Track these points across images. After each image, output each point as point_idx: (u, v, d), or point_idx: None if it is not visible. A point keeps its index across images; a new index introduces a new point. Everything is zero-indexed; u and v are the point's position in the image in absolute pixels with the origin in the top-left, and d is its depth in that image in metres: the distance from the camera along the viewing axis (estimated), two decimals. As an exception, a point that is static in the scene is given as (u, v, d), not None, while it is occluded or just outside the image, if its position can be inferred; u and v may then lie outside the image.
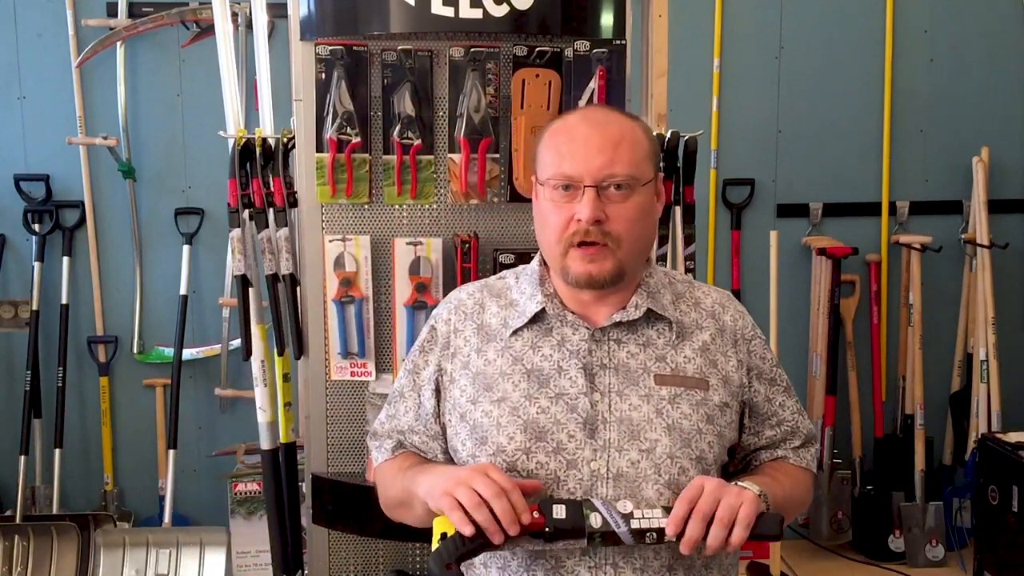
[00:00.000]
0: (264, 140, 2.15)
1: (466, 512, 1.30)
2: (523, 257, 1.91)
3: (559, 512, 1.33)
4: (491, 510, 1.30)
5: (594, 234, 1.42)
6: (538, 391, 1.46)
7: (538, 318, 1.50)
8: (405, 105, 1.99)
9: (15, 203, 3.62)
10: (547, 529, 1.31)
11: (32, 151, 3.65)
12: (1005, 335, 3.77)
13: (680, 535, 1.32)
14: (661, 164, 1.56)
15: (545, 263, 1.54)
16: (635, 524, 1.33)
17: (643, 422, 1.44)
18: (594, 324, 1.49)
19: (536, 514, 1.33)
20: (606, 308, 1.49)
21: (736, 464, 1.57)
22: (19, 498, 3.46)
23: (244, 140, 2.14)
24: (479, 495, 1.30)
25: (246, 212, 2.15)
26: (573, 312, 1.50)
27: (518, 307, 1.52)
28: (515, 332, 1.50)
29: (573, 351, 1.47)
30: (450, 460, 1.55)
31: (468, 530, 1.30)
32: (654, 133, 2.24)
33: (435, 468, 1.47)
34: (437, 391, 1.54)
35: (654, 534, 1.33)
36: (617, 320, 1.48)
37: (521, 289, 1.54)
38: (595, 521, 1.33)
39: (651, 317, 1.50)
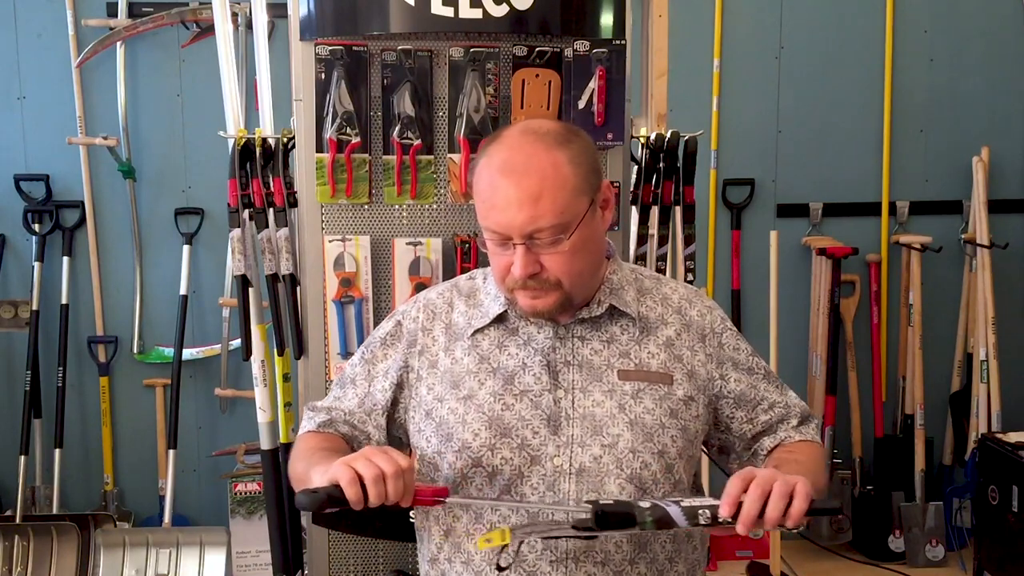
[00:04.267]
0: (264, 140, 2.15)
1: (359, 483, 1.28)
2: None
3: (607, 501, 1.32)
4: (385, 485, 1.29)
5: (531, 285, 1.43)
6: (503, 388, 1.48)
7: (504, 317, 1.52)
8: (405, 105, 1.99)
9: (15, 203, 3.63)
10: (596, 512, 1.28)
11: (32, 151, 3.65)
12: (1005, 335, 3.77)
13: (735, 516, 1.29)
14: (611, 170, 1.51)
15: None
16: (686, 504, 1.31)
17: (606, 417, 1.45)
18: (558, 321, 1.51)
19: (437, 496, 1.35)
20: (570, 307, 1.50)
21: (740, 455, 1.58)
22: (19, 498, 3.46)
23: (244, 140, 2.14)
24: (379, 468, 1.28)
25: (246, 212, 2.15)
26: None
27: (482, 307, 1.54)
28: (482, 331, 1.52)
29: (537, 349, 1.49)
30: None
31: (354, 491, 1.27)
32: (654, 133, 2.24)
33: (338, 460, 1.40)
34: (398, 386, 1.55)
35: (707, 511, 1.29)
36: (580, 317, 1.50)
37: (487, 289, 1.56)
38: (644, 503, 1.31)
39: (615, 313, 1.52)
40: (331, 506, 1.29)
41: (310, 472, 1.39)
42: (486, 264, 1.99)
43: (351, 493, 1.27)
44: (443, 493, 1.37)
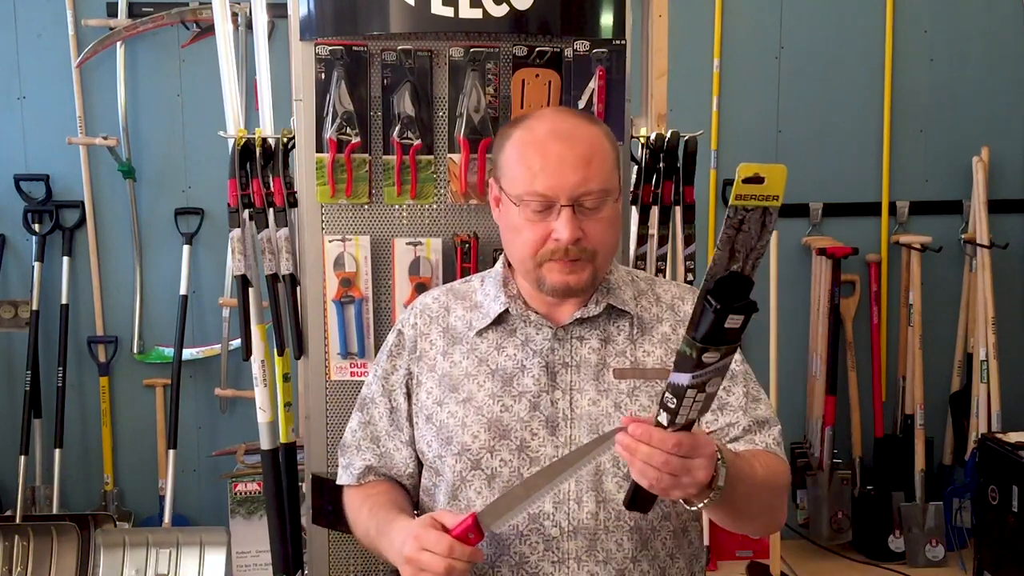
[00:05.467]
0: (264, 140, 2.15)
1: None
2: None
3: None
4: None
5: (573, 252, 1.43)
6: (502, 390, 1.48)
7: (503, 319, 1.53)
8: (405, 105, 1.99)
9: (15, 203, 3.63)
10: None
11: (32, 151, 3.65)
12: (1005, 335, 3.77)
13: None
14: (621, 167, 1.55)
15: (509, 264, 1.56)
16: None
17: (602, 417, 1.46)
18: (557, 323, 1.51)
19: (472, 534, 1.34)
20: (569, 307, 1.51)
21: None
22: (19, 498, 3.46)
23: (244, 140, 2.14)
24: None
25: (246, 212, 2.15)
26: (536, 312, 1.52)
27: (482, 308, 1.55)
28: (480, 333, 1.53)
29: (536, 350, 1.50)
30: (419, 471, 1.58)
31: None
32: (654, 133, 2.24)
33: (393, 528, 1.45)
34: (408, 395, 1.57)
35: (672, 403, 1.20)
36: (578, 317, 1.50)
37: (485, 291, 1.57)
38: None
39: (612, 313, 1.52)
40: None
41: (379, 547, 1.48)
42: (485, 266, 2.00)
43: None
44: (472, 532, 1.35)
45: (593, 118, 1.53)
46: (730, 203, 1.06)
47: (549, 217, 1.42)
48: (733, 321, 1.09)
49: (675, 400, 1.19)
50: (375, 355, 2.07)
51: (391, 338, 1.62)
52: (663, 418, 1.22)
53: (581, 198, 1.41)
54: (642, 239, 2.27)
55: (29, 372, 3.56)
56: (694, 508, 1.33)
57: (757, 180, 1.06)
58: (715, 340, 1.11)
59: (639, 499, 1.31)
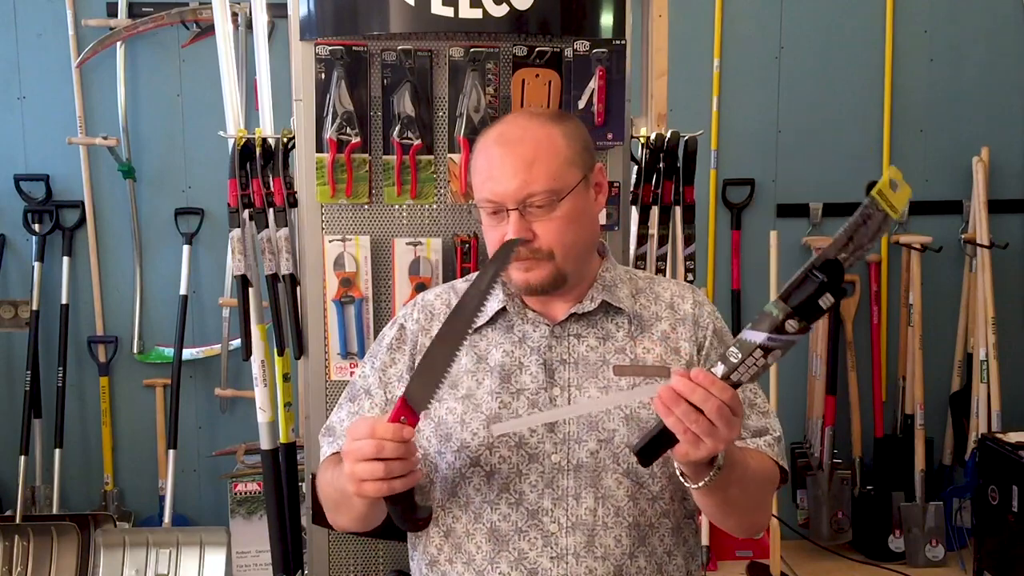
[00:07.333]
0: (264, 140, 2.15)
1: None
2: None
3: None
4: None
5: (524, 254, 1.45)
6: (500, 387, 1.49)
7: (501, 317, 1.54)
8: (405, 105, 1.99)
9: (15, 203, 3.63)
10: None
11: (32, 151, 3.65)
12: (1005, 335, 3.77)
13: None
14: (596, 155, 1.52)
15: None
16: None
17: (601, 413, 1.47)
18: (553, 319, 1.52)
19: (404, 417, 1.33)
20: (565, 305, 1.53)
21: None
22: (19, 498, 3.46)
23: (244, 140, 2.14)
24: (373, 458, 1.31)
25: (246, 212, 2.15)
26: (534, 310, 1.53)
27: (481, 306, 1.54)
28: (479, 330, 1.54)
29: (533, 347, 1.51)
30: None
31: (398, 485, 1.32)
32: (654, 133, 2.25)
33: None
34: None
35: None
36: (573, 312, 1.51)
37: None
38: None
39: (610, 311, 1.53)
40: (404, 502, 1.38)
41: (340, 479, 1.40)
42: (486, 262, 2.00)
43: (397, 485, 1.32)
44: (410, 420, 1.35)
45: (558, 116, 1.52)
46: (871, 194, 1.21)
47: (503, 221, 1.45)
48: (825, 300, 1.20)
49: (739, 355, 1.23)
50: (375, 355, 2.07)
51: (391, 332, 1.61)
52: (718, 370, 1.25)
53: (526, 200, 1.43)
54: (642, 239, 2.27)
55: (29, 372, 3.56)
56: (696, 487, 1.33)
57: (893, 187, 1.21)
58: (802, 311, 1.20)
59: (652, 448, 1.29)
